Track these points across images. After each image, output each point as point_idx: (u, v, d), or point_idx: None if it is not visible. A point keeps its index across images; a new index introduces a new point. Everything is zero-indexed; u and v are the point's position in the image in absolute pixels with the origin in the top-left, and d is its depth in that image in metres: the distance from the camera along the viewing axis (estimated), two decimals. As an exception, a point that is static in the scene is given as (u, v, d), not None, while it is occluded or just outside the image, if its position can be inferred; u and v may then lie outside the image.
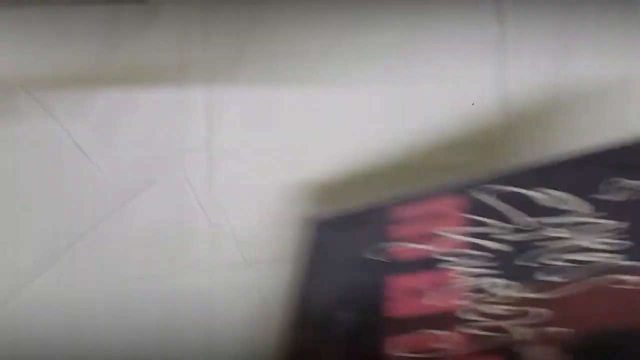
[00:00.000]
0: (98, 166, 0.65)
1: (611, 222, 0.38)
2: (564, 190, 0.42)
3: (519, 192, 0.45)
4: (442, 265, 0.45)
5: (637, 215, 0.38)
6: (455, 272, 0.44)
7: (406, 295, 0.46)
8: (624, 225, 0.38)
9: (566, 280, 0.38)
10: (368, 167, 0.66)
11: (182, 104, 0.66)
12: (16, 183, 0.65)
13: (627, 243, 0.37)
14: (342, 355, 0.47)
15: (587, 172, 0.43)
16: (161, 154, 0.66)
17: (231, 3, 0.67)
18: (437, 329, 0.41)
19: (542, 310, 0.37)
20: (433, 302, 0.44)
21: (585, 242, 0.39)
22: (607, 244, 0.38)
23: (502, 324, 0.38)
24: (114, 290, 0.64)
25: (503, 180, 0.47)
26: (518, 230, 0.43)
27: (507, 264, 0.42)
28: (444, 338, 0.40)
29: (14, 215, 0.65)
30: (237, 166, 0.66)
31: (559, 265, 0.39)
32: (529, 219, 0.43)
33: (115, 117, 0.66)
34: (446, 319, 0.41)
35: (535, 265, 0.40)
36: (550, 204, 0.43)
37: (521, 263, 0.41)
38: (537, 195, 0.44)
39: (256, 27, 0.67)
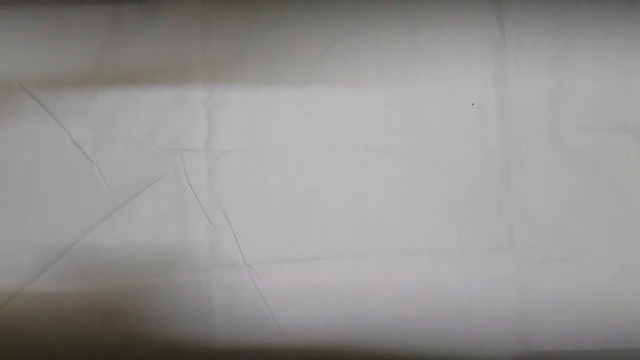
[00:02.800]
0: (98, 166, 0.65)
1: None
2: None
3: None
4: None
5: None
6: None
7: None
8: None
9: None
10: None
11: (182, 104, 0.66)
12: (16, 183, 0.65)
13: None
14: None
15: None
16: (161, 154, 0.66)
17: (231, 3, 0.67)
18: None
19: None
20: None
21: None
22: None
23: None
24: (114, 290, 0.64)
25: None
26: None
27: None
28: None
29: (14, 215, 0.65)
30: (237, 166, 0.66)
31: None
32: None
33: (115, 117, 0.66)
34: None
35: None
36: None
37: None
38: None
39: (256, 27, 0.67)
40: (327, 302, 0.65)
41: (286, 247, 0.65)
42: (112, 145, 0.66)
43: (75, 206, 0.65)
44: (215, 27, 0.67)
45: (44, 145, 0.65)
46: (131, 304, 0.64)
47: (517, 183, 0.66)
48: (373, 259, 0.65)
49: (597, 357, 0.65)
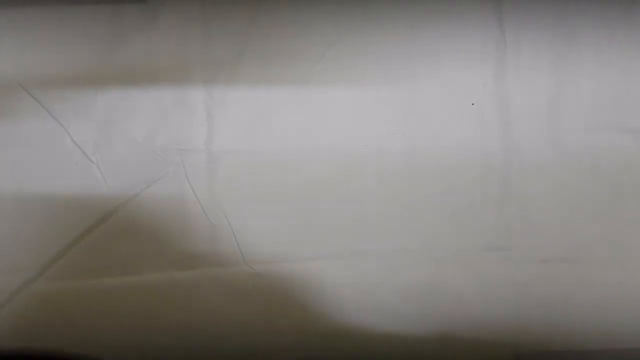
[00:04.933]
0: (98, 166, 0.65)
1: None
2: None
3: None
4: None
5: None
6: None
7: None
8: None
9: None
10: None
11: (182, 104, 0.66)
12: (16, 183, 0.65)
13: None
14: None
15: None
16: (161, 154, 0.66)
17: (231, 3, 0.67)
18: None
19: None
20: None
21: None
22: None
23: None
24: (114, 290, 0.64)
25: None
26: None
27: None
28: None
29: (14, 215, 0.65)
30: (237, 166, 0.66)
31: None
32: None
33: (116, 117, 0.66)
34: None
35: None
36: None
37: None
38: None
39: (256, 27, 0.67)
40: (328, 302, 0.65)
41: (286, 247, 0.65)
42: (112, 145, 0.66)
43: (76, 206, 0.65)
44: (215, 27, 0.67)
45: (43, 145, 0.65)
46: (131, 304, 0.64)
47: (517, 183, 0.66)
48: (373, 259, 0.65)
49: (597, 357, 0.65)
